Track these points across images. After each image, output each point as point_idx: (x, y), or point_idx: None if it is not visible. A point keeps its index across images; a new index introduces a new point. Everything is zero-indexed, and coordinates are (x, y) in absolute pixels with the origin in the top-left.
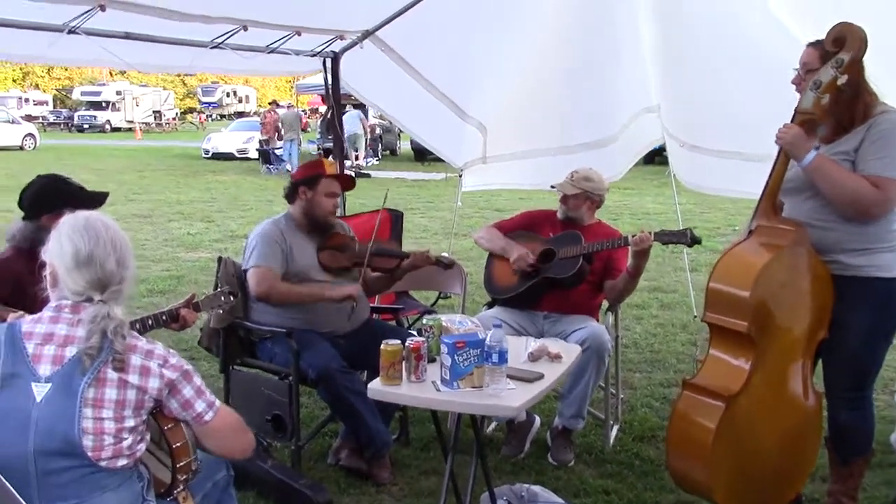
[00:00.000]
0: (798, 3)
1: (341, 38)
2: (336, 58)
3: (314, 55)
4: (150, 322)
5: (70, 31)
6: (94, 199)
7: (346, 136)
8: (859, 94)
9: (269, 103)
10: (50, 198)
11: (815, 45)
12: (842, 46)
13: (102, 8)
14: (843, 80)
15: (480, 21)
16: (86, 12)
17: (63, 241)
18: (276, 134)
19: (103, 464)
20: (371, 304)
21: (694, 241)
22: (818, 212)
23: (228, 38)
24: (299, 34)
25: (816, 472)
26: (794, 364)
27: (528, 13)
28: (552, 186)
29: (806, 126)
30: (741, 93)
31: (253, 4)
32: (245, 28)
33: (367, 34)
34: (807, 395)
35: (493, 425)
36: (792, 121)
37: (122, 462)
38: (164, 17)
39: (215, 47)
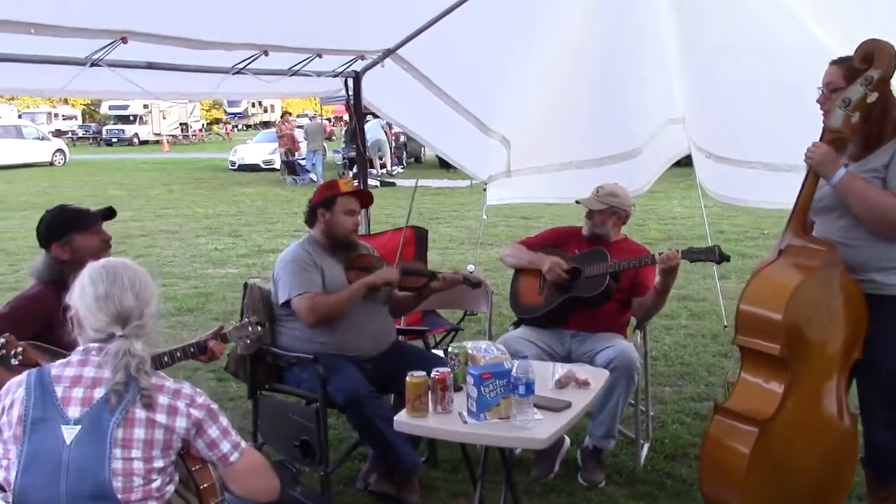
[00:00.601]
0: (827, 12)
1: (362, 57)
2: (357, 77)
3: (336, 76)
4: (178, 354)
5: (93, 64)
6: (97, 217)
7: (370, 142)
8: (888, 111)
9: (282, 115)
10: (56, 227)
11: (839, 63)
12: (871, 63)
13: (125, 40)
14: (872, 97)
15: (501, 36)
16: (108, 45)
17: (84, 283)
18: (294, 144)
19: None
20: (398, 326)
21: (722, 258)
22: (850, 231)
23: (250, 63)
24: (320, 56)
25: (853, 491)
26: (829, 385)
27: (550, 27)
28: (577, 202)
29: (835, 144)
30: (767, 103)
31: (273, 29)
32: (266, 53)
33: (388, 53)
34: (842, 417)
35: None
36: (821, 139)
37: None
38: (185, 47)
39: (237, 73)
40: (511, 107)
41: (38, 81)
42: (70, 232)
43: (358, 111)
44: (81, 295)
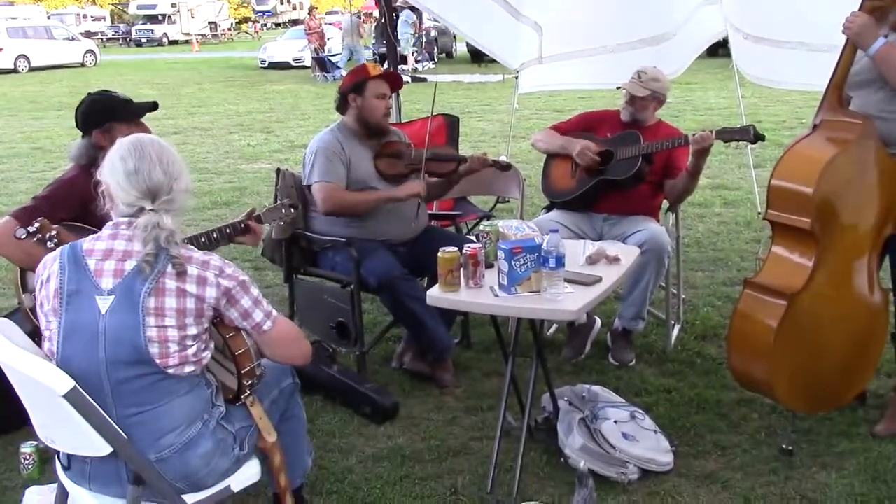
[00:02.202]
0: None
1: None
2: None
3: None
4: (214, 235)
5: None
6: (140, 110)
7: (402, 37)
8: None
9: (309, 11)
10: (97, 114)
11: None
12: None
13: None
14: None
15: None
16: None
17: (114, 159)
18: (322, 41)
19: (171, 371)
20: (429, 211)
21: (757, 137)
22: (887, 104)
23: None
24: None
25: (881, 368)
26: (860, 261)
27: None
28: (619, 88)
29: (875, 14)
30: None
31: None
32: None
33: None
34: (872, 292)
35: (553, 328)
36: (860, 8)
37: (189, 368)
38: None
39: None
40: None
41: None
42: (112, 120)
43: None
44: (111, 171)
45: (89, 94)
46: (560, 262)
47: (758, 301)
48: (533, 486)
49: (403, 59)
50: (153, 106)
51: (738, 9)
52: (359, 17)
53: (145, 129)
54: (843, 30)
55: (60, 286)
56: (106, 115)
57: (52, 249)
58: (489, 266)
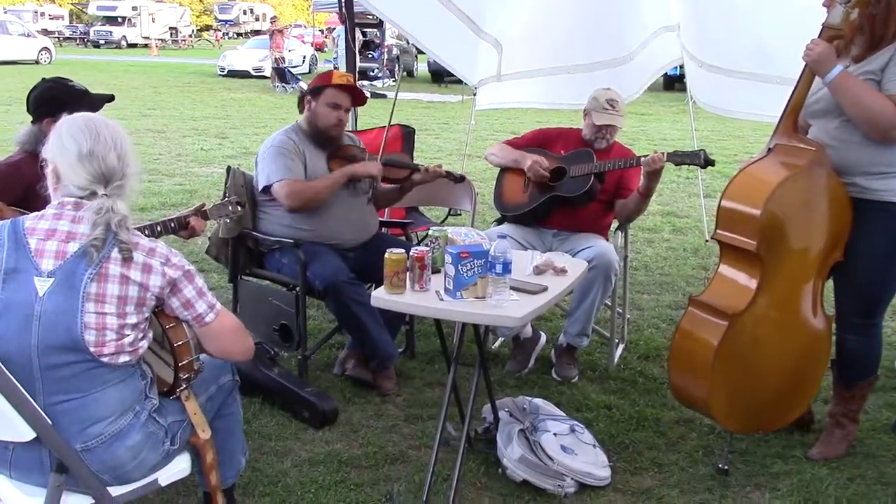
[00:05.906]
0: None
1: None
2: None
3: None
4: (158, 228)
5: None
6: (97, 102)
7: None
8: (892, 11)
9: (271, 20)
10: (52, 102)
11: None
12: None
13: None
14: None
15: None
16: None
17: (64, 138)
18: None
19: (105, 359)
20: (381, 219)
21: (707, 162)
22: (842, 132)
23: None
24: None
25: (819, 394)
26: (805, 285)
27: None
28: (596, 124)
29: (838, 43)
30: (764, 13)
31: None
32: None
33: None
34: (816, 317)
35: (498, 341)
36: (819, 36)
37: (124, 358)
38: None
39: None
40: (505, 9)
41: None
42: (67, 110)
43: (350, 8)
44: (62, 151)
45: (44, 79)
46: (507, 268)
47: (700, 319)
48: (470, 496)
49: (364, 75)
50: (110, 98)
51: (696, 38)
52: (321, 31)
53: None
54: (803, 56)
55: None
56: (60, 105)
57: None
58: (436, 271)
